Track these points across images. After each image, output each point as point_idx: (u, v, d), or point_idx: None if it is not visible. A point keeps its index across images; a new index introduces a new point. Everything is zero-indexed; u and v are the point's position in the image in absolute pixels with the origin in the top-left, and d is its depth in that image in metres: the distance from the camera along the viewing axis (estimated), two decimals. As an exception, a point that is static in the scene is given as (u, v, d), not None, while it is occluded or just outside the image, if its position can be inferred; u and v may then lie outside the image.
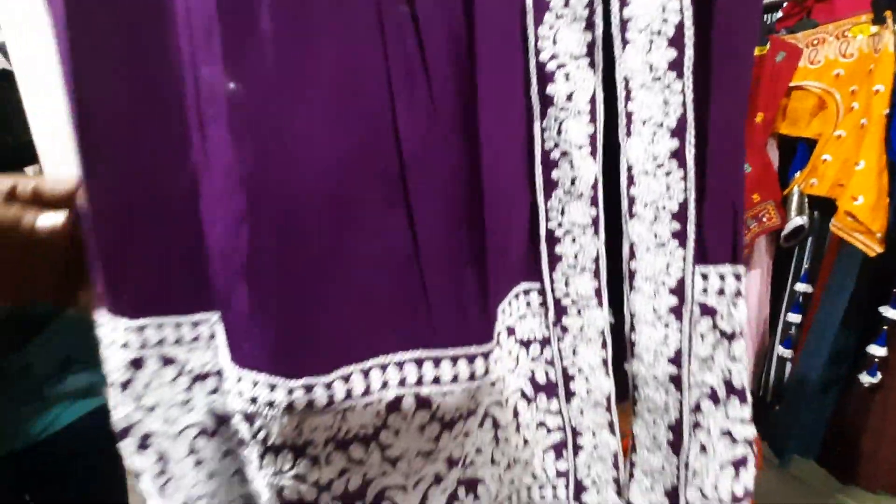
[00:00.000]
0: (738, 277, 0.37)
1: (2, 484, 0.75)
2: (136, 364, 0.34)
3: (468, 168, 0.32)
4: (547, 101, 0.34)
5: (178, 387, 0.36)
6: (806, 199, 1.30)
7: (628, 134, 0.36)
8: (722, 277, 0.37)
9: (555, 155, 0.36)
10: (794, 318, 1.37)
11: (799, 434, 1.35)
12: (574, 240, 0.38)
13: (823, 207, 1.27)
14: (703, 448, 0.40)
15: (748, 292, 1.43)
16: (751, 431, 0.39)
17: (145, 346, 0.34)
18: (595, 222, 0.37)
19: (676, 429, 0.40)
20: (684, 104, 0.34)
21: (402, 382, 0.33)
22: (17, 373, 0.66)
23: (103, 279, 0.33)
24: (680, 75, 0.34)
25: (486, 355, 0.35)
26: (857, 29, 1.16)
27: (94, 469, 0.83)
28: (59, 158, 1.02)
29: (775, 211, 1.33)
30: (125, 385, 0.35)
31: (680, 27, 0.33)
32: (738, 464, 0.39)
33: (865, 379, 1.21)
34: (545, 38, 0.33)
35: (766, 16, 1.35)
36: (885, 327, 1.18)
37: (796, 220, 1.30)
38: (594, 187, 0.36)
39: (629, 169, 0.36)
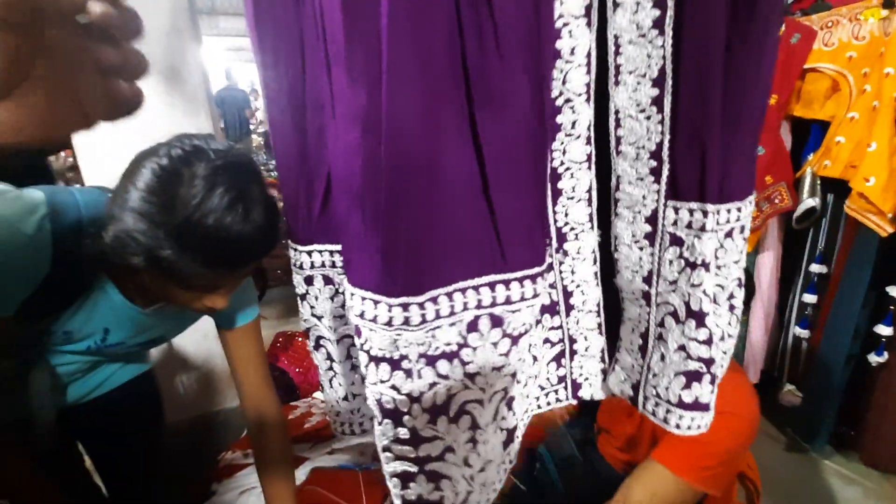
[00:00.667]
0: (704, 214, 0.42)
1: (59, 435, 0.83)
2: (308, 281, 0.45)
3: (529, 104, 0.38)
4: (556, 54, 0.41)
5: (336, 302, 0.45)
6: (818, 181, 1.32)
7: (616, 83, 0.42)
8: (690, 212, 0.43)
9: (559, 102, 0.42)
10: (811, 298, 1.40)
11: (827, 418, 1.36)
12: (572, 175, 0.44)
13: (836, 189, 1.30)
14: (662, 356, 0.47)
15: (760, 274, 1.46)
16: (706, 352, 0.44)
17: (314, 266, 0.44)
18: (589, 158, 0.44)
19: (645, 336, 0.47)
20: (664, 57, 0.40)
21: (479, 305, 0.40)
22: (62, 339, 0.73)
23: (286, 215, 0.43)
24: (662, 32, 0.40)
25: (543, 274, 0.41)
26: (869, 12, 1.17)
27: (140, 425, 0.93)
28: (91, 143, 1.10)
29: (787, 193, 1.35)
30: (303, 297, 0.46)
31: None
32: (691, 376, 0.45)
33: (873, 358, 1.24)
34: (554, 1, 0.39)
35: None
36: (892, 307, 1.20)
37: (808, 202, 1.33)
38: (589, 128, 0.43)
39: (616, 113, 0.43)
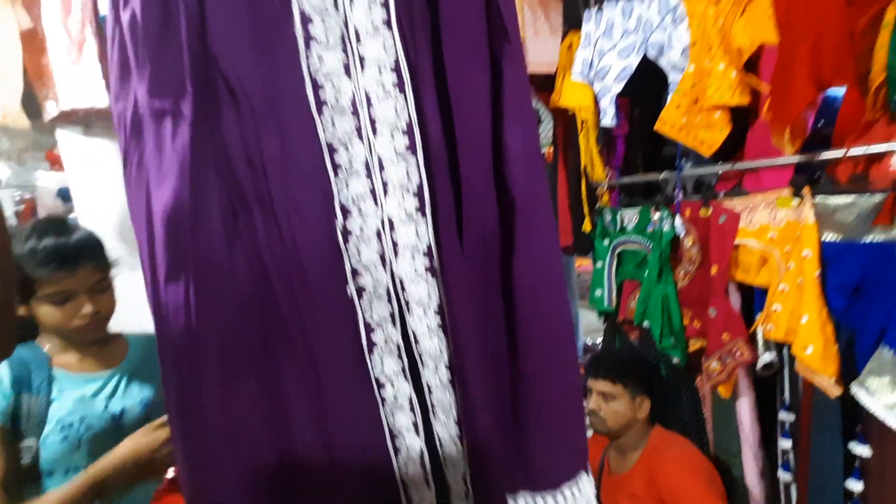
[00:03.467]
0: None
1: None
2: None
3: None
4: (360, 292, 0.66)
5: None
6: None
7: (424, 367, 0.69)
8: None
9: (374, 338, 0.66)
10: (786, 444, 1.47)
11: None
12: (392, 385, 0.67)
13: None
14: None
15: (741, 419, 1.55)
16: None
17: None
18: (403, 371, 0.67)
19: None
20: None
21: None
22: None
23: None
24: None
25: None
26: (781, 201, 1.36)
27: None
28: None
29: (746, 347, 1.49)
30: None
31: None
32: None
33: (850, 514, 1.29)
34: (349, 210, 0.63)
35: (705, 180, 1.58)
36: (855, 462, 1.27)
37: (766, 357, 1.46)
38: (403, 368, 0.68)
39: (428, 383, 0.68)
